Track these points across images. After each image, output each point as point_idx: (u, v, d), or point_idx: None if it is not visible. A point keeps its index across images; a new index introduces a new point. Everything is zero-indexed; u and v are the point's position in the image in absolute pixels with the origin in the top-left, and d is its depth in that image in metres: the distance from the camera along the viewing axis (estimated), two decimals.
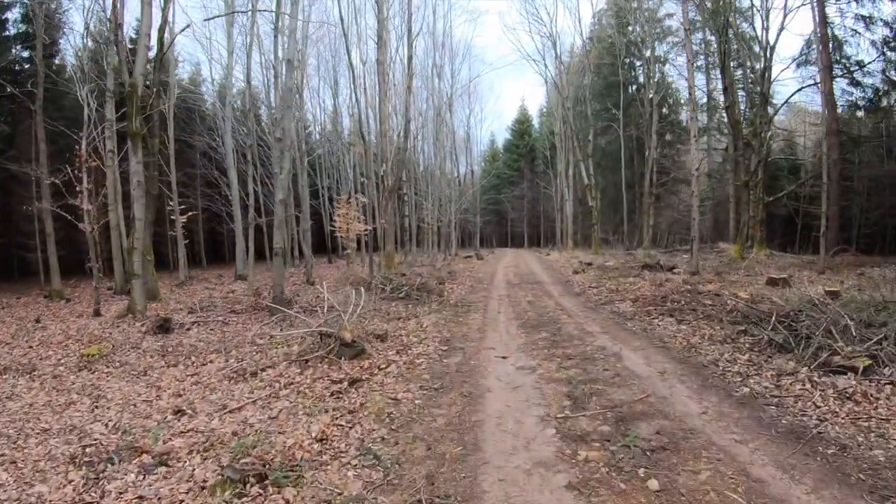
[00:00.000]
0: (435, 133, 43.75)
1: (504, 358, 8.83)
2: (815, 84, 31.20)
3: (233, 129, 27.37)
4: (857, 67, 29.77)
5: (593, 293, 17.02)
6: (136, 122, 15.63)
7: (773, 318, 9.54)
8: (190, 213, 28.42)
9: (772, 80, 29.92)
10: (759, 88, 31.34)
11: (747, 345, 8.86)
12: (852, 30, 29.29)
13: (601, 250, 39.72)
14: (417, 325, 12.09)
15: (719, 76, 36.04)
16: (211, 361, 10.30)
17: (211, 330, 13.52)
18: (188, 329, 13.72)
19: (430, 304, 15.85)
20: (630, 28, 46.73)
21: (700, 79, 43.92)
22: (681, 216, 48.58)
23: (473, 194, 66.61)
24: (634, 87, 47.51)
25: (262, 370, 8.92)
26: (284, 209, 15.00)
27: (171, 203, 27.69)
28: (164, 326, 13.55)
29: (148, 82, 17.95)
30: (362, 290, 12.49)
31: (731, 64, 33.12)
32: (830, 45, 29.38)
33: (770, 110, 30.75)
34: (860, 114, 32.66)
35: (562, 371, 7.86)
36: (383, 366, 8.44)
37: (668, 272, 21.69)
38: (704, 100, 43.46)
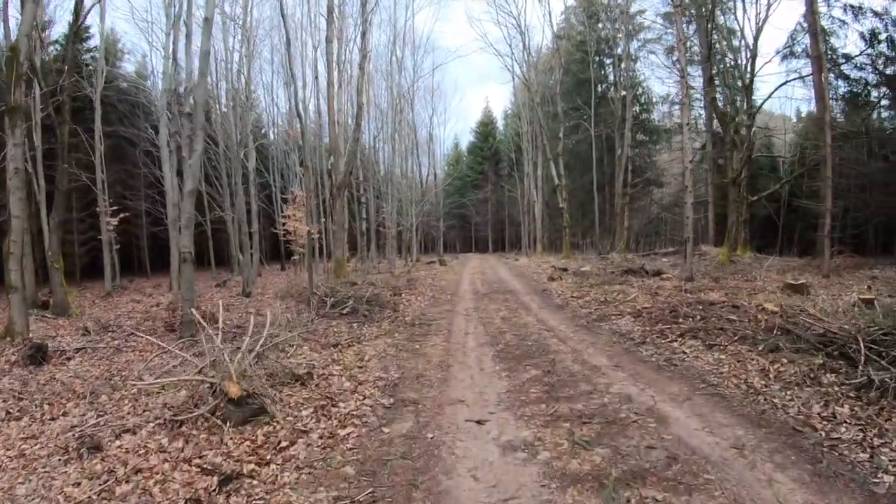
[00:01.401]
0: (395, 130, 41.15)
1: (480, 423, 5.73)
2: (801, 77, 29.76)
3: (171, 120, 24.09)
4: (844, 60, 28.36)
5: (579, 305, 14.20)
6: (16, 95, 12.37)
7: (861, 344, 6.67)
8: (122, 215, 25.35)
9: (755, 72, 27.70)
10: (740, 83, 29.78)
11: (840, 388, 6.07)
12: (840, 20, 27.81)
13: (573, 255, 37.17)
14: (357, 358, 9.05)
15: (698, 71, 34.03)
16: (65, 414, 7.16)
17: (98, 360, 10.37)
18: (69, 359, 10.57)
19: (382, 322, 12.93)
20: (601, 25, 44.78)
21: (676, 75, 42.40)
22: (666, 215, 47.32)
23: (436, 196, 64.44)
24: (605, 84, 45.65)
25: (119, 435, 5.87)
26: (194, 203, 11.80)
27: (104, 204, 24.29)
28: (36, 356, 10.29)
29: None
30: (294, 307, 9.39)
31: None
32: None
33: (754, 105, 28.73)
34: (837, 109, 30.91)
35: (580, 453, 4.83)
36: (285, 444, 5.29)
37: (657, 278, 19.12)
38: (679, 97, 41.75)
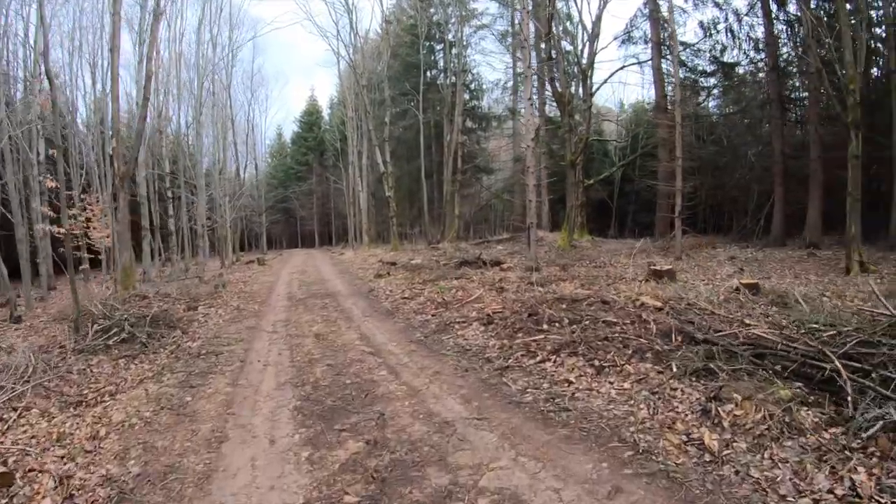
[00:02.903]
0: (199, 114, 36.94)
1: None
2: (639, 63, 30.95)
3: None
4: (683, 47, 28.52)
5: (412, 310, 11.62)
6: None
7: (837, 363, 4.63)
8: None
9: (595, 52, 26.65)
10: (576, 69, 29.27)
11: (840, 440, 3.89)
12: (680, 9, 28.11)
13: (402, 246, 34.72)
14: (93, 430, 5.69)
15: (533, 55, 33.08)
16: None
17: None
18: None
19: (161, 351, 9.58)
20: (433, 10, 42.74)
21: (507, 59, 41.97)
22: (497, 202, 46.43)
23: (258, 190, 60.35)
24: (435, 70, 44.13)
25: None
26: None
27: None
28: None
29: None
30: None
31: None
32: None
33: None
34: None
35: None
36: None
37: (497, 269, 17.11)
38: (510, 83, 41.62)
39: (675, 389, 5.19)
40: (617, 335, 7.00)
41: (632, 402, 5.12)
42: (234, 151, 45.41)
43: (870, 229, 16.36)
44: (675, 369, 5.64)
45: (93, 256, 25.05)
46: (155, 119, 32.37)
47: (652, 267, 12.78)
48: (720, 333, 6.48)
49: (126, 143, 20.83)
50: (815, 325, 5.92)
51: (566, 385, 5.83)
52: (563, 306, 8.93)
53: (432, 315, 10.52)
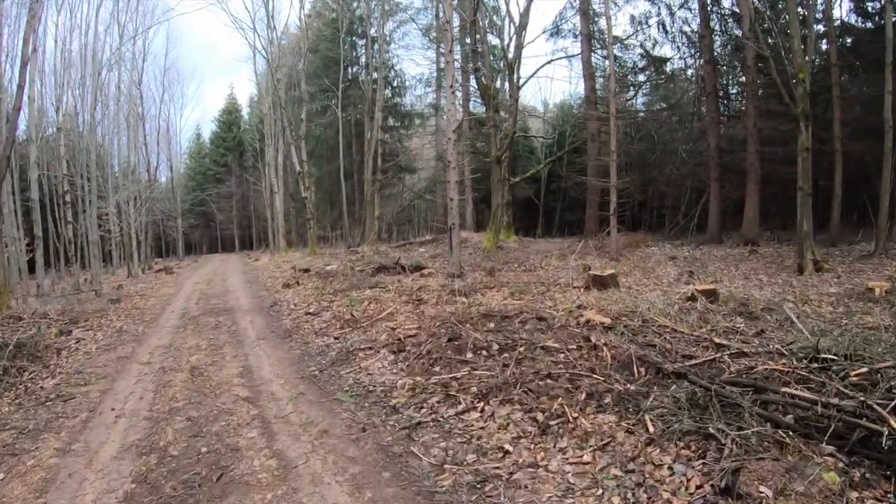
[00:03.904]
0: (113, 110, 34.60)
1: None
2: (568, 57, 29.92)
3: None
4: (614, 41, 26.97)
5: (314, 329, 9.86)
6: None
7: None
8: None
9: (523, 45, 25.31)
10: (502, 63, 28.63)
11: None
12: (613, 2, 27.04)
13: (319, 250, 32.62)
14: None
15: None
16: None
17: None
18: None
19: (8, 393, 7.59)
20: (356, 4, 40.84)
21: (430, 54, 40.71)
22: (419, 202, 45.21)
23: (173, 192, 58.55)
24: (356, 67, 42.41)
25: None
26: None
27: None
28: None
29: None
30: None
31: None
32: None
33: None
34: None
35: None
36: None
37: (417, 275, 15.61)
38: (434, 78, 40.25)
39: (661, 466, 3.58)
40: (561, 369, 5.43)
41: (599, 491, 3.48)
42: (146, 151, 42.46)
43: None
44: (651, 427, 4.04)
45: None
46: (53, 115, 29.76)
47: (591, 272, 11.24)
48: (694, 362, 5.02)
49: None
50: (832, 357, 4.46)
51: (500, 456, 4.15)
52: (492, 325, 7.34)
53: (335, 338, 8.75)
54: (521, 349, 6.08)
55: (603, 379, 5.05)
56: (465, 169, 33.40)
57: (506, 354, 6.08)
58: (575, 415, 4.48)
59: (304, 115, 36.10)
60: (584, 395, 4.78)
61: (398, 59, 42.07)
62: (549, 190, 38.80)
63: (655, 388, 4.74)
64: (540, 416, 4.57)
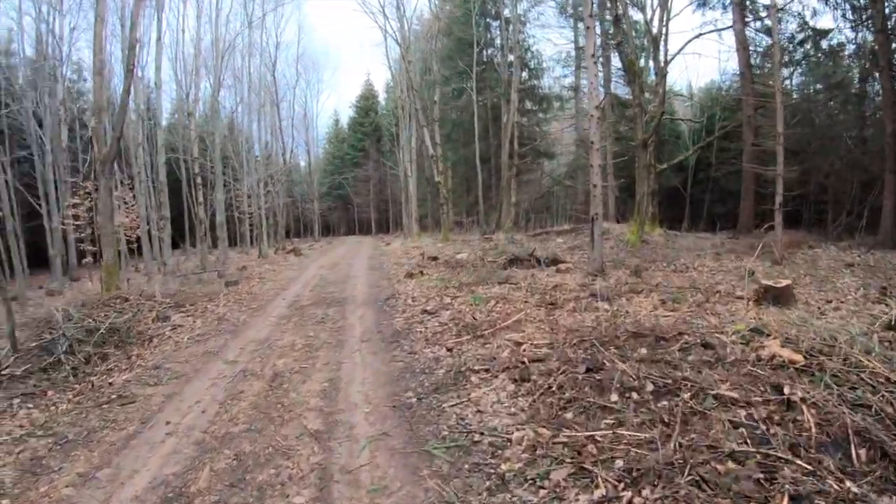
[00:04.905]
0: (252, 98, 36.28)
1: None
2: (718, 30, 25.95)
3: None
4: (766, 12, 24.11)
5: (427, 334, 8.46)
6: None
7: None
8: None
9: (670, 17, 23.19)
10: (645, 41, 26.34)
11: None
12: None
13: (452, 236, 31.50)
14: None
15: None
16: None
17: None
18: None
19: (74, 388, 7.02)
20: None
21: (567, 33, 38.74)
22: (558, 189, 43.85)
23: (310, 175, 61.50)
24: (491, 49, 40.28)
25: None
26: None
27: None
28: None
29: None
30: None
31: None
32: None
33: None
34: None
35: None
36: None
37: (552, 269, 14.03)
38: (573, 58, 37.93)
39: None
40: (747, 443, 3.71)
41: None
42: (281, 135, 43.10)
43: None
44: None
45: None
46: (183, 101, 30.56)
47: (761, 281, 9.12)
48: None
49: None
50: None
51: None
52: (643, 350, 5.63)
53: (448, 349, 7.30)
54: (686, 396, 4.40)
55: (810, 467, 3.32)
56: (607, 153, 31.24)
57: (664, 403, 4.40)
58: None
59: (438, 97, 35.22)
60: (786, 501, 3.07)
61: (534, 39, 40.62)
62: (697, 179, 35.77)
63: (886, 485, 3.03)
64: None
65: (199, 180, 25.99)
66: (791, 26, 25.15)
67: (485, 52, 39.24)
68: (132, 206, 21.96)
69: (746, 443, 3.76)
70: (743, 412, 4.17)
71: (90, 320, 9.56)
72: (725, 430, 3.92)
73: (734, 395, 4.42)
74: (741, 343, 5.81)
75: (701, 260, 14.73)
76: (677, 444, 3.77)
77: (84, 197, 18.09)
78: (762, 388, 4.52)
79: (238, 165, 36.12)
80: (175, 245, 32.45)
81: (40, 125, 26.48)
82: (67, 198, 20.60)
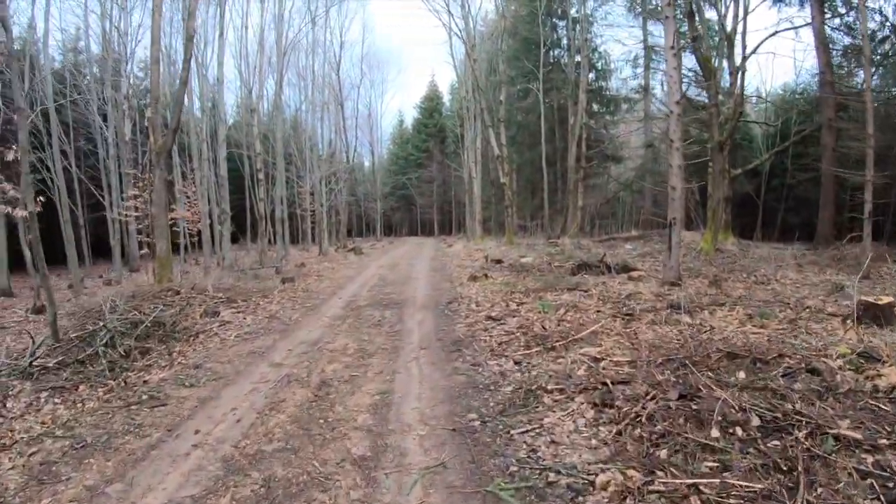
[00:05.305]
0: (315, 96, 36.84)
1: None
2: (795, 28, 24.51)
3: None
4: (845, 9, 23.55)
5: (492, 344, 7.66)
6: None
7: None
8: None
9: (748, 12, 22.09)
10: (717, 39, 24.95)
11: None
12: None
13: (516, 240, 30.62)
14: None
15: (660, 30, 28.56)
16: None
17: None
18: None
19: (105, 385, 6.53)
20: None
21: (636, 32, 36.63)
22: (624, 195, 42.31)
23: (373, 175, 61.41)
24: (557, 49, 39.41)
25: None
26: None
27: None
28: None
29: None
30: None
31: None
32: None
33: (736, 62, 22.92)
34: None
35: None
36: None
37: (624, 276, 13.30)
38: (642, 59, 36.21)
39: None
40: (877, 491, 2.96)
41: None
42: (345, 134, 43.11)
43: None
44: None
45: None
46: (245, 97, 30.98)
47: (862, 298, 8.12)
48: None
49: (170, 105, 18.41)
50: None
51: None
52: (741, 374, 4.85)
53: (516, 362, 6.56)
54: (801, 435, 3.64)
55: None
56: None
57: (775, 442, 3.64)
58: None
59: (504, 97, 34.54)
60: None
61: (601, 39, 39.54)
62: (770, 186, 34.15)
63: None
64: None
65: (260, 176, 26.00)
66: (870, 24, 23.59)
67: (551, 52, 38.46)
68: (194, 200, 22.03)
69: (880, 499, 3.00)
70: (870, 458, 3.39)
71: (135, 312, 9.28)
72: (854, 481, 3.17)
73: (855, 434, 3.63)
74: (850, 369, 5.00)
75: (783, 271, 13.70)
76: (805, 501, 3.01)
77: (143, 189, 18.06)
78: (886, 427, 3.74)
79: (301, 163, 36.23)
80: (235, 240, 32.83)
81: (104, 119, 26.89)
82: (128, 189, 20.76)
